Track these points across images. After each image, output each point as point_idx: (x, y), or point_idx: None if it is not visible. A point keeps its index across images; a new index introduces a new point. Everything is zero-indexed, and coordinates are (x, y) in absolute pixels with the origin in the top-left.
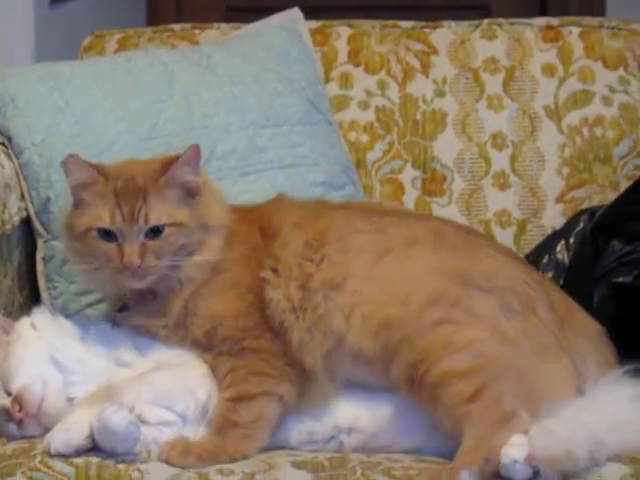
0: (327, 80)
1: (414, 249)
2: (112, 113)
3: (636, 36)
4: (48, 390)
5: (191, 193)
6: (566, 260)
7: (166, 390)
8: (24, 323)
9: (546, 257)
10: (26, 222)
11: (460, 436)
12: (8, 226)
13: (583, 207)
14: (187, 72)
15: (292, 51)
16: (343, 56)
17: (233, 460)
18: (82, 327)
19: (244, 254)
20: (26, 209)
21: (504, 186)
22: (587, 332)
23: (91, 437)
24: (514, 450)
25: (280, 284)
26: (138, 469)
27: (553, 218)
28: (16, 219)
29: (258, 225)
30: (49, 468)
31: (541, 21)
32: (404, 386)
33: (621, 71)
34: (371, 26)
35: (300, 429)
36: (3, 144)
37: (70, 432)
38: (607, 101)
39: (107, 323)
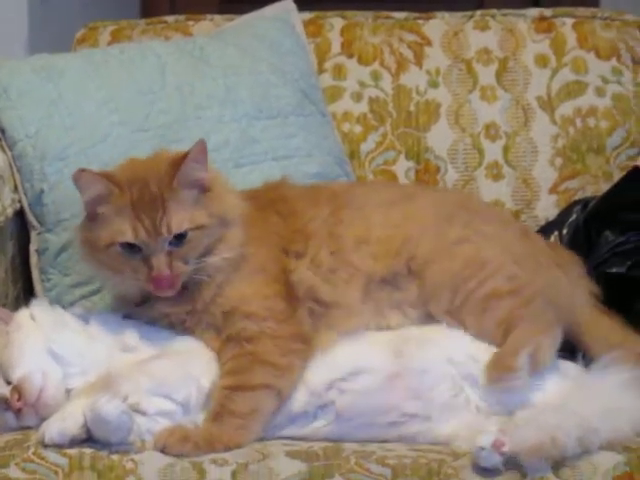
0: (320, 71)
1: (416, 197)
2: (105, 105)
3: (629, 27)
4: (48, 381)
5: (203, 189)
6: None
7: (166, 379)
8: (23, 314)
9: None
10: (20, 214)
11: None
12: (1, 218)
13: (576, 198)
14: (180, 63)
15: (285, 42)
16: (336, 47)
17: (227, 449)
18: (82, 317)
19: (266, 239)
20: (19, 201)
21: (497, 177)
22: (572, 263)
23: (86, 427)
24: (481, 437)
25: (305, 263)
26: (132, 459)
27: (546, 209)
28: (9, 211)
29: (274, 209)
30: (42, 459)
31: (534, 12)
32: (440, 303)
33: (614, 62)
34: (364, 17)
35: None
36: None
37: (66, 421)
38: (600, 92)
39: (112, 313)
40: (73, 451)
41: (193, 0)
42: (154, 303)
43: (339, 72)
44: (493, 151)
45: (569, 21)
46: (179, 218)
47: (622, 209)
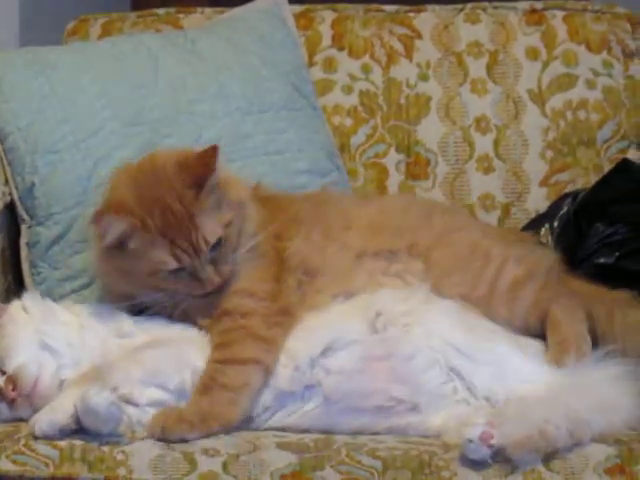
0: (311, 64)
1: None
2: (98, 99)
3: (620, 20)
4: (43, 372)
5: (219, 187)
6: (550, 243)
7: (157, 368)
8: (16, 306)
9: None
10: (10, 207)
11: (544, 320)
12: None
13: (567, 190)
14: (172, 57)
15: (276, 35)
16: (327, 40)
17: (220, 427)
18: (75, 308)
19: (262, 227)
20: (10, 194)
21: (488, 170)
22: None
23: (76, 417)
24: (469, 429)
25: (299, 239)
26: (122, 451)
27: (537, 201)
28: (0, 204)
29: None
30: (33, 451)
31: (525, 5)
32: (452, 286)
33: (605, 54)
34: (355, 10)
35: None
36: None
37: (56, 412)
38: (591, 84)
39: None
40: (64, 443)
41: None
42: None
43: (330, 65)
44: (483, 144)
45: (560, 14)
46: (211, 228)
47: (612, 201)
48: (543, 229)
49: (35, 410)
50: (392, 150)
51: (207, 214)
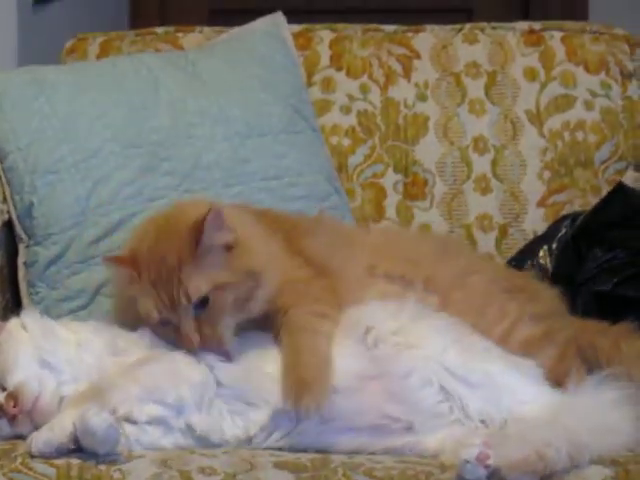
0: (309, 84)
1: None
2: (98, 120)
3: (618, 41)
4: (43, 388)
5: (229, 249)
6: (549, 265)
7: (154, 384)
8: (15, 323)
9: (529, 263)
10: (8, 225)
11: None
12: None
13: (564, 211)
14: (172, 79)
15: (276, 57)
16: (325, 60)
17: (319, 397)
18: (72, 325)
19: (280, 251)
20: (8, 212)
21: (485, 190)
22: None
23: (73, 437)
24: (465, 450)
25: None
26: (119, 469)
27: (534, 222)
28: None
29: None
30: (30, 469)
31: (523, 25)
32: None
33: (603, 75)
34: (353, 30)
35: None
36: None
37: (53, 431)
38: (589, 105)
39: (102, 320)
40: (61, 461)
41: (183, 11)
42: None
43: (328, 85)
44: (481, 164)
45: (558, 34)
46: (196, 284)
47: (609, 226)
48: (542, 251)
49: (35, 427)
50: (390, 170)
51: (196, 271)
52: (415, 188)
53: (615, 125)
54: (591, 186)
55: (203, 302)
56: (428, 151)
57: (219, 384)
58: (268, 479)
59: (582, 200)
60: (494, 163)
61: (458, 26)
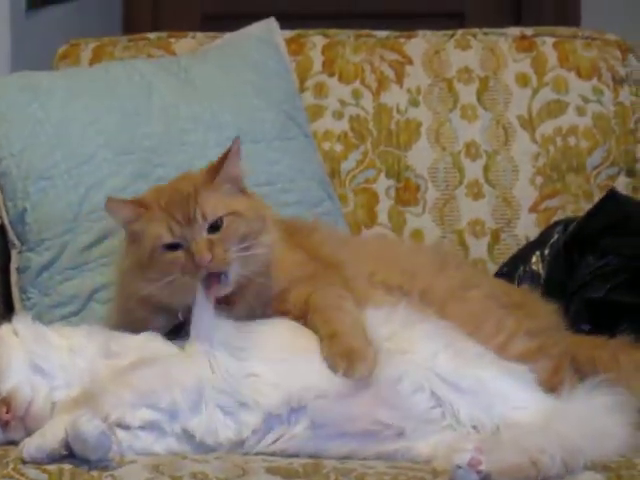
0: (302, 90)
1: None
2: (91, 126)
3: (610, 46)
4: (36, 394)
5: (241, 189)
6: (541, 271)
7: (147, 388)
8: (6, 329)
9: (521, 268)
10: (0, 231)
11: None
12: None
13: (557, 217)
14: (165, 85)
15: (269, 63)
16: (318, 65)
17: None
18: (64, 331)
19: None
20: (1, 218)
21: (478, 196)
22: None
23: (65, 443)
24: (457, 455)
25: None
26: (112, 475)
27: (527, 228)
28: None
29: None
30: (22, 475)
31: (515, 31)
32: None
33: (595, 81)
34: (346, 35)
35: None
36: None
37: (45, 437)
38: (581, 111)
39: (95, 325)
40: (52, 467)
41: (176, 16)
42: None
43: (320, 91)
44: (473, 170)
45: (550, 40)
46: (213, 205)
47: (601, 233)
48: (534, 256)
49: (28, 432)
50: (382, 176)
51: (214, 195)
52: (407, 193)
53: (607, 131)
54: (583, 191)
55: (216, 226)
56: (420, 157)
57: (212, 382)
58: None
59: (574, 205)
60: (486, 169)
61: (450, 32)
